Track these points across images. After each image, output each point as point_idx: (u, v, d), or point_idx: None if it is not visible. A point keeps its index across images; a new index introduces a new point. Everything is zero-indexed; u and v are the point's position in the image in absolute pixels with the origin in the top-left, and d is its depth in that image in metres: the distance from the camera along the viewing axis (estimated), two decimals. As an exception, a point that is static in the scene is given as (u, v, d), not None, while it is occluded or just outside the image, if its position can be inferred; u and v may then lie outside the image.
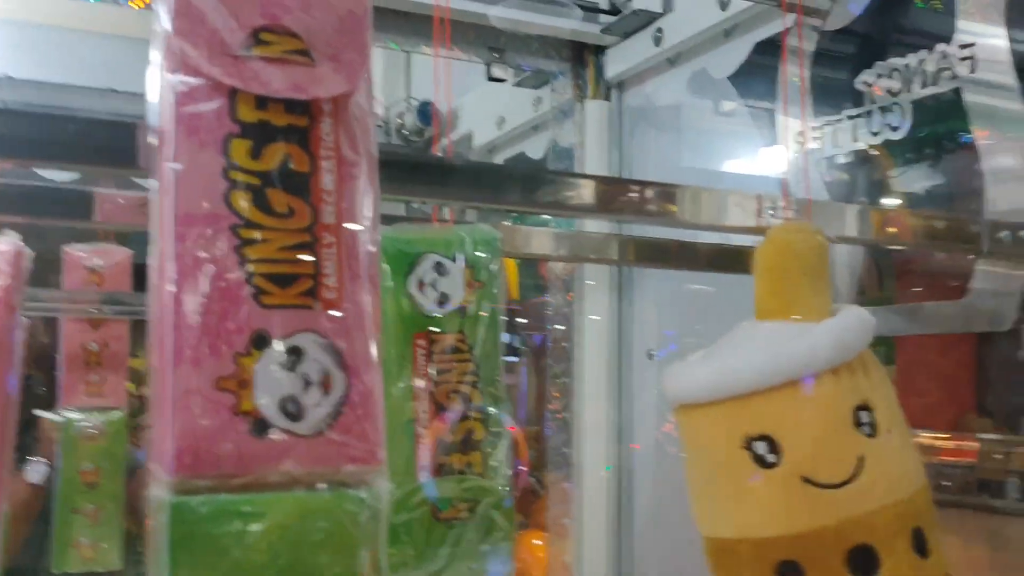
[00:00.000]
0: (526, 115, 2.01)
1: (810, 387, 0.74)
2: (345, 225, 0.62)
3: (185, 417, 0.55)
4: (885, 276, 2.26)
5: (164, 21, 0.59)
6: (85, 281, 1.99)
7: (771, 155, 1.47)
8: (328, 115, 0.63)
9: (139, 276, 1.98)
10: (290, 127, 0.61)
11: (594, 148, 1.76)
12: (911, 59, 1.11)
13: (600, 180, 0.85)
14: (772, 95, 1.40)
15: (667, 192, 0.82)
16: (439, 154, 2.29)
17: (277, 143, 0.60)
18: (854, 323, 0.77)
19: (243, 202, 0.59)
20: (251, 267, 0.58)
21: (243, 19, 0.60)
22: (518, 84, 1.92)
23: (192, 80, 0.59)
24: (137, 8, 1.44)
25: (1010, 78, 1.00)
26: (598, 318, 1.71)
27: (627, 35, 1.68)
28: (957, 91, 1.06)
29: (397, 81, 2.76)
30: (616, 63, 1.73)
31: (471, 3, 1.61)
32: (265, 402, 0.57)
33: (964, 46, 1.04)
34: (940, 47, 1.08)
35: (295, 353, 0.58)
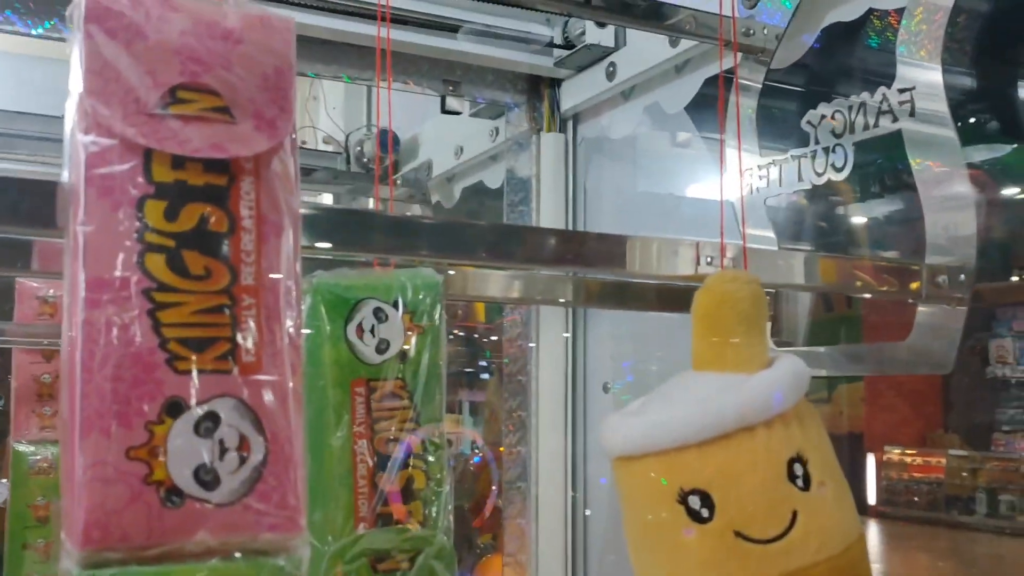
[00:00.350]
0: (483, 145, 2.01)
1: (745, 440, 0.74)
2: (265, 286, 0.61)
3: (93, 489, 0.54)
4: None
5: (76, 79, 0.58)
6: (37, 312, 1.96)
7: (724, 185, 1.46)
8: (249, 173, 0.62)
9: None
10: (208, 186, 0.60)
11: (549, 179, 1.77)
12: (853, 100, 1.12)
13: (536, 232, 0.84)
14: (734, 116, 1.40)
15: (607, 242, 0.82)
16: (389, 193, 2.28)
17: (194, 203, 0.59)
18: (788, 376, 0.76)
19: (157, 265, 0.57)
20: (165, 332, 0.57)
21: (160, 77, 0.59)
22: (474, 115, 1.92)
23: (104, 140, 0.57)
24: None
25: (947, 122, 1.01)
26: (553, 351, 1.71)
27: (581, 69, 1.69)
28: (898, 133, 1.07)
29: (358, 109, 2.75)
30: (571, 96, 1.74)
31: (426, 36, 1.61)
32: (178, 471, 0.56)
33: (903, 90, 1.05)
34: (881, 90, 1.08)
35: (211, 419, 0.57)
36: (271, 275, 0.61)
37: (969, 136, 1.29)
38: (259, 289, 0.60)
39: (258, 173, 0.62)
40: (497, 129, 1.93)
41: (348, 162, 2.47)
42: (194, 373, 0.57)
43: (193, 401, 0.57)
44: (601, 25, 1.58)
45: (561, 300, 1.28)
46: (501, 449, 1.94)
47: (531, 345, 1.72)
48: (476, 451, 2.74)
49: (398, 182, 2.38)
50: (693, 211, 1.81)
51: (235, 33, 0.62)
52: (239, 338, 0.59)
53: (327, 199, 2.61)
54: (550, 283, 1.25)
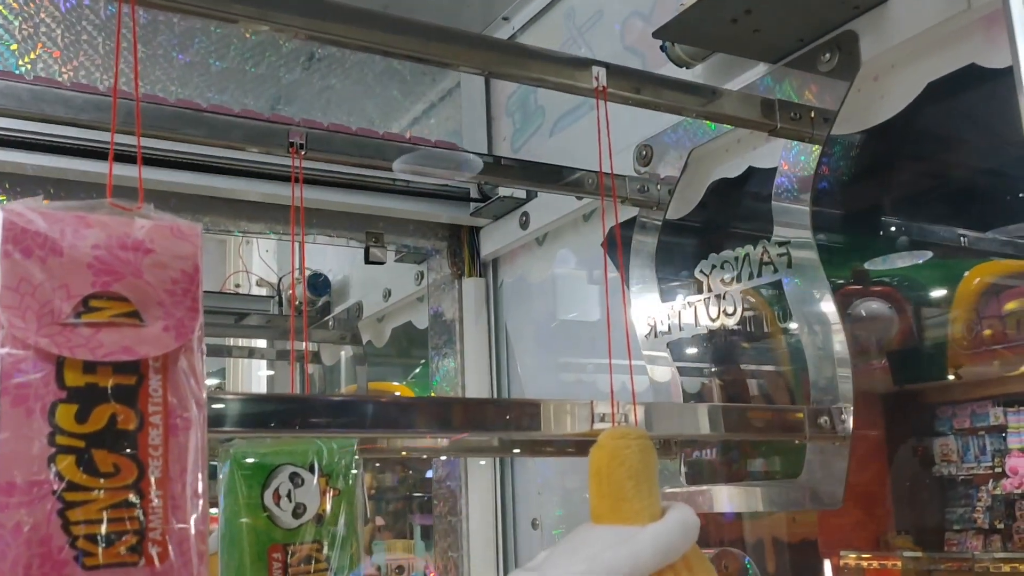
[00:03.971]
0: (410, 288, 2.08)
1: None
2: (172, 478, 0.65)
3: None
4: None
5: (-7, 295, 0.63)
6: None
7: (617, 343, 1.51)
8: (157, 371, 0.67)
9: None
10: (117, 387, 0.65)
11: (472, 321, 1.84)
12: (739, 252, 1.22)
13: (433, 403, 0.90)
14: (636, 264, 1.48)
15: (505, 407, 0.88)
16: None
17: (104, 404, 0.64)
18: (677, 528, 0.82)
19: (68, 466, 0.61)
20: (74, 529, 0.61)
21: (73, 289, 0.65)
22: (400, 260, 1.99)
23: (19, 352, 0.62)
24: None
25: (819, 270, 1.10)
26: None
27: (497, 218, 1.78)
28: (779, 282, 1.16)
29: (291, 251, 2.82)
30: (489, 243, 1.83)
31: (348, 195, 1.70)
32: (85, 665, 0.58)
33: (781, 243, 1.15)
34: (762, 243, 1.18)
35: (117, 612, 0.60)
36: (178, 467, 0.65)
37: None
38: (167, 481, 0.65)
39: (166, 370, 0.67)
40: (422, 273, 2.00)
41: (280, 305, 2.52)
42: (103, 568, 0.61)
43: (101, 596, 0.60)
44: (513, 178, 1.68)
45: (492, 449, 1.33)
46: None
47: (460, 487, 1.75)
48: (428, 580, 2.71)
49: (331, 324, 2.44)
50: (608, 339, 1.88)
51: (145, 243, 0.68)
52: (147, 530, 0.63)
53: (260, 344, 2.65)
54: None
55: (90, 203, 0.69)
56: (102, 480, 0.62)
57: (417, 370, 2.74)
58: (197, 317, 0.69)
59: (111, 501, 0.62)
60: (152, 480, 0.64)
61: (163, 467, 0.65)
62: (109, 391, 0.64)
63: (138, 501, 0.63)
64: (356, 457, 1.01)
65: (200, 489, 0.66)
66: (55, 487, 0.61)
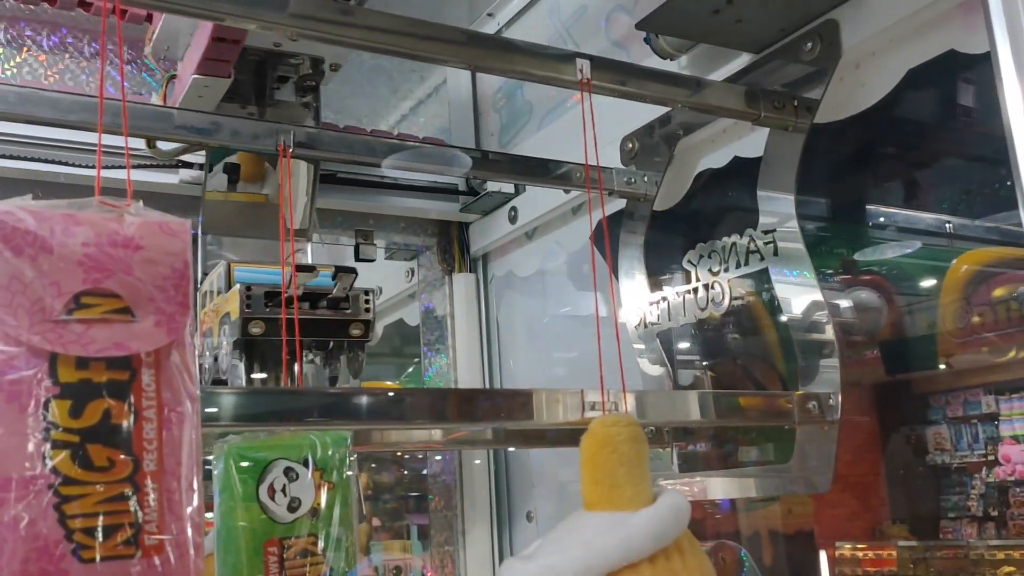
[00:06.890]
0: (401, 285, 2.09)
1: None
2: (167, 471, 0.66)
3: None
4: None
5: (-16, 294, 0.64)
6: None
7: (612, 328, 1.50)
8: (149, 366, 0.67)
9: None
10: (111, 382, 0.65)
11: (463, 316, 1.84)
12: (726, 241, 1.23)
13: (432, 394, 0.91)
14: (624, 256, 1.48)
15: (498, 398, 0.89)
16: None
17: (98, 399, 0.64)
18: (668, 513, 0.83)
19: (63, 460, 0.62)
20: (70, 523, 0.61)
21: (64, 286, 0.65)
22: (389, 257, 2.00)
23: (12, 349, 0.63)
24: None
25: (805, 258, 1.11)
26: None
27: (486, 213, 1.79)
28: (765, 270, 1.17)
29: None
30: (479, 239, 1.84)
31: (339, 193, 1.71)
32: (84, 656, 0.59)
33: (767, 231, 1.16)
34: (748, 231, 1.19)
35: (115, 604, 0.61)
36: (173, 459, 0.66)
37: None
38: (161, 474, 0.65)
39: (158, 365, 0.67)
40: (412, 270, 2.01)
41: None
42: (100, 561, 0.61)
43: (98, 588, 0.61)
44: (501, 173, 1.69)
45: (486, 440, 1.34)
46: None
47: (456, 481, 1.76)
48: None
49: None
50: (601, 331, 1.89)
51: (135, 240, 0.68)
52: (143, 523, 0.63)
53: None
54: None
55: (79, 201, 0.70)
56: (97, 474, 0.63)
57: (410, 369, 2.74)
58: (188, 312, 0.70)
59: (107, 495, 0.63)
60: (147, 473, 0.65)
61: (157, 461, 0.65)
62: (102, 386, 0.65)
63: (133, 494, 0.64)
64: (350, 450, 1.01)
65: (195, 482, 0.67)
66: (51, 482, 0.61)
